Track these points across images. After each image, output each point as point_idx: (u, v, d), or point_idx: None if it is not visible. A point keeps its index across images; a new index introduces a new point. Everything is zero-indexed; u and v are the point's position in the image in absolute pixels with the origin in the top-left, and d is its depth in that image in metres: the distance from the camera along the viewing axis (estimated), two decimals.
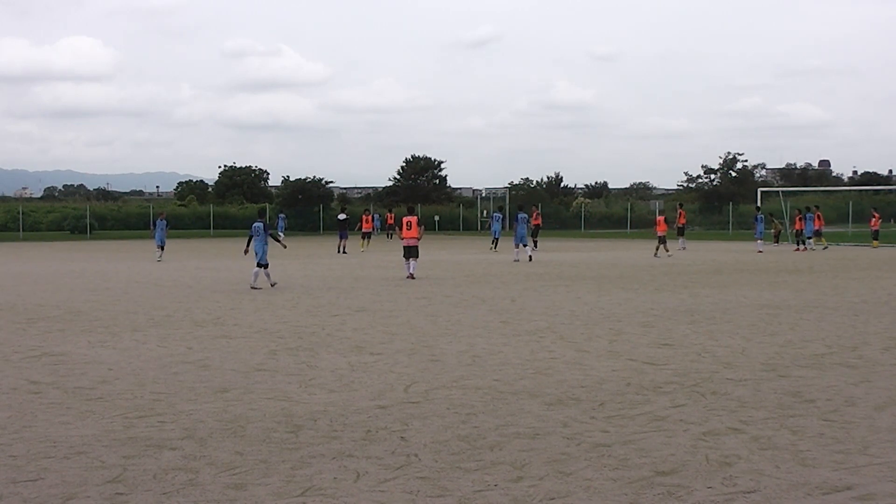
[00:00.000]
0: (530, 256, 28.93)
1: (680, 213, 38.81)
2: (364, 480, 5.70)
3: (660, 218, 32.90)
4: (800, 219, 36.87)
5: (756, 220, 35.89)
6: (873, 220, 39.26)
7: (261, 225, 19.43)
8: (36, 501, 5.36)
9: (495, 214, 38.62)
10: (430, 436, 6.76)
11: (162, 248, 30.51)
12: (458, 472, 5.86)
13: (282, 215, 52.39)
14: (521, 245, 29.28)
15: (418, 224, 22.54)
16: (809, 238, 36.53)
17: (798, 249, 35.47)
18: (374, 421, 7.23)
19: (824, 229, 38.76)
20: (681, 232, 37.49)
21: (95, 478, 5.76)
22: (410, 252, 22.07)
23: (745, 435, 6.77)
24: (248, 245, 19.72)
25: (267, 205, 65.22)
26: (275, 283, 19.37)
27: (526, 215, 30.31)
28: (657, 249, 31.71)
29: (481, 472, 5.86)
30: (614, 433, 6.82)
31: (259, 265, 19.10)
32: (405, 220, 22.78)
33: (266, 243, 19.31)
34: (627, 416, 7.39)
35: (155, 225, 31.49)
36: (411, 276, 21.59)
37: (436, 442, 6.59)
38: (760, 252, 33.35)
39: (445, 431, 6.88)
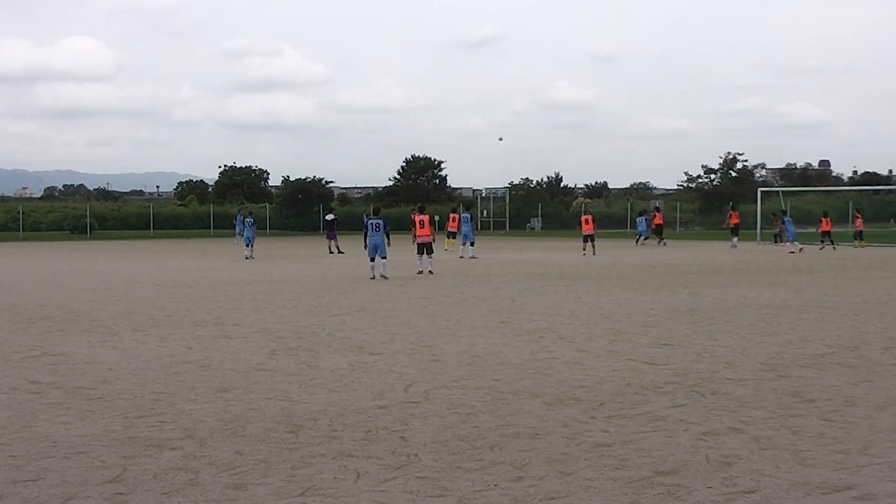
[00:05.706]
0: (472, 256, 30.47)
1: (731, 214, 40.66)
2: (364, 480, 5.71)
3: (587, 217, 33.84)
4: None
5: (637, 221, 40.59)
6: (857, 220, 40.21)
7: (381, 221, 21.59)
8: (36, 501, 5.36)
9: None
10: (430, 436, 6.76)
11: (249, 246, 31.25)
12: (458, 472, 5.86)
13: (249, 220, 51.06)
14: (466, 243, 31.07)
15: (430, 223, 24.17)
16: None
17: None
18: (374, 421, 7.24)
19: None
20: (734, 232, 39.18)
21: (95, 478, 5.77)
22: (427, 248, 23.43)
23: (745, 435, 6.78)
24: (365, 240, 21.57)
25: (268, 205, 65.37)
26: (375, 277, 21.19)
27: (469, 215, 32.11)
28: (586, 248, 32.59)
29: (481, 472, 5.86)
30: (614, 433, 6.83)
31: (382, 258, 21.27)
32: (418, 218, 24.35)
33: (383, 237, 21.36)
34: (627, 416, 7.39)
35: (240, 223, 32.19)
36: (430, 272, 22.88)
37: (436, 442, 6.59)
38: (641, 245, 38.54)
39: (445, 431, 6.89)
